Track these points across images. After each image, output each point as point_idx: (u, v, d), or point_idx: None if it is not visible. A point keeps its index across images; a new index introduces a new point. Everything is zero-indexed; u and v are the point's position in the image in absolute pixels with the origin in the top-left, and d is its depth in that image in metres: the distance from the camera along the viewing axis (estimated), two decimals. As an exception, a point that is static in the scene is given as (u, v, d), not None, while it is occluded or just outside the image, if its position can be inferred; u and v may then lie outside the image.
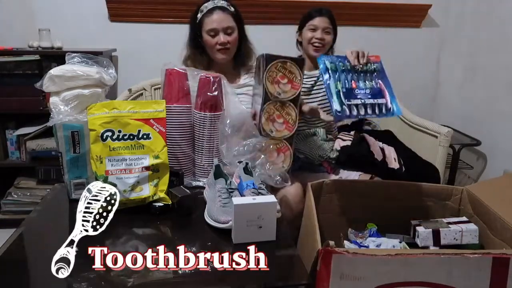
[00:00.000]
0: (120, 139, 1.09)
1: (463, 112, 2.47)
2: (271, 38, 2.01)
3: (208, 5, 1.54)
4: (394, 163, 1.67)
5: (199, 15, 1.56)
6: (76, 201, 1.14)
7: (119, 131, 1.09)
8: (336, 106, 1.31)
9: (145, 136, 1.10)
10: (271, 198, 0.97)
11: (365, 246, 1.22)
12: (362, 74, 1.41)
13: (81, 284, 0.78)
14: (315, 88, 1.81)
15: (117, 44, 2.41)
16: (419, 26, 2.63)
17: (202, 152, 1.32)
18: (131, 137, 1.10)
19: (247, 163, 1.16)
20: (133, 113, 1.11)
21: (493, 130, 2.20)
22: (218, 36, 1.53)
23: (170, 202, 1.09)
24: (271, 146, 1.39)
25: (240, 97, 1.60)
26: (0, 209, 2.25)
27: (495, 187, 1.27)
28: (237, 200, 0.94)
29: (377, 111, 1.34)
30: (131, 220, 1.05)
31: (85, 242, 0.97)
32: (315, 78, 1.82)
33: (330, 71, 1.39)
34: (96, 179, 1.06)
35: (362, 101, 1.34)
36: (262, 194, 1.02)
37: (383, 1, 2.52)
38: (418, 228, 1.21)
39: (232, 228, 0.95)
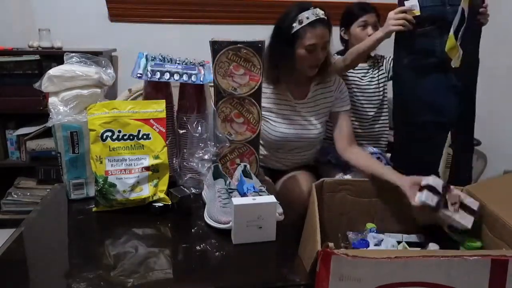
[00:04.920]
0: (120, 139, 1.09)
1: (463, 112, 2.46)
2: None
3: (309, 16, 1.36)
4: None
5: (295, 25, 1.37)
6: (75, 201, 1.15)
7: (119, 131, 1.09)
8: None
9: (145, 136, 1.10)
10: (271, 198, 0.97)
11: (365, 241, 1.22)
12: None
13: (80, 284, 0.78)
14: (365, 80, 1.82)
15: (117, 44, 2.41)
16: (419, 26, 2.63)
17: (181, 153, 1.24)
18: (131, 137, 1.10)
19: (245, 166, 1.16)
20: (133, 113, 1.10)
21: (493, 130, 2.20)
22: (317, 51, 1.40)
23: (170, 202, 1.09)
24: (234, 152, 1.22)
25: (304, 115, 1.52)
26: (0, 209, 2.25)
27: (495, 187, 1.27)
28: (237, 200, 0.94)
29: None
30: (131, 220, 1.05)
31: (85, 242, 0.98)
32: (364, 71, 1.83)
33: None
34: (96, 179, 1.06)
35: None
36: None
37: (383, 1, 2.51)
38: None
39: (232, 228, 0.95)
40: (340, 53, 1.90)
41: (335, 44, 1.90)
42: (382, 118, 1.88)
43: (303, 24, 1.37)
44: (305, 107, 1.53)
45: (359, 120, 1.83)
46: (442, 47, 1.33)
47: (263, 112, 1.35)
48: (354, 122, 1.82)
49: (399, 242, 1.24)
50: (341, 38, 1.88)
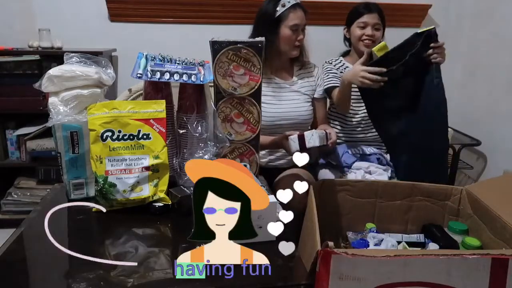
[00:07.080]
0: (120, 139, 1.09)
1: (463, 112, 2.47)
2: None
3: (290, 1, 1.56)
4: None
5: (279, 9, 1.56)
6: (75, 201, 1.15)
7: (119, 131, 1.09)
8: None
9: (145, 136, 1.10)
10: (271, 198, 0.97)
11: (364, 241, 1.22)
12: None
13: (80, 284, 0.78)
14: None
15: (117, 44, 2.41)
16: (419, 26, 2.63)
17: (181, 153, 1.24)
18: (131, 137, 1.10)
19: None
20: (133, 113, 1.10)
21: (493, 130, 2.20)
22: (298, 31, 1.58)
23: (170, 202, 1.09)
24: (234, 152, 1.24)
25: (292, 95, 1.67)
26: (0, 209, 2.25)
27: (495, 187, 1.26)
28: (236, 200, 0.94)
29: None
30: (131, 220, 1.05)
31: (85, 242, 0.98)
32: None
33: None
34: (96, 179, 1.06)
35: None
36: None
37: (383, 1, 2.51)
38: None
39: (232, 228, 0.95)
40: (344, 54, 1.89)
41: (334, 45, 1.91)
42: None
43: (286, 7, 1.55)
44: (293, 86, 1.68)
45: (362, 124, 1.81)
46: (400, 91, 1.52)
47: None
48: (356, 126, 1.81)
49: (399, 242, 1.24)
50: (345, 38, 1.87)
